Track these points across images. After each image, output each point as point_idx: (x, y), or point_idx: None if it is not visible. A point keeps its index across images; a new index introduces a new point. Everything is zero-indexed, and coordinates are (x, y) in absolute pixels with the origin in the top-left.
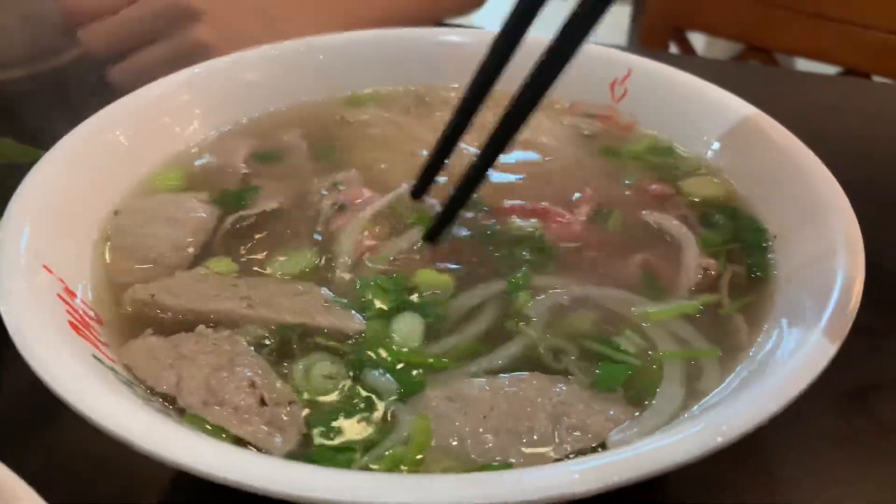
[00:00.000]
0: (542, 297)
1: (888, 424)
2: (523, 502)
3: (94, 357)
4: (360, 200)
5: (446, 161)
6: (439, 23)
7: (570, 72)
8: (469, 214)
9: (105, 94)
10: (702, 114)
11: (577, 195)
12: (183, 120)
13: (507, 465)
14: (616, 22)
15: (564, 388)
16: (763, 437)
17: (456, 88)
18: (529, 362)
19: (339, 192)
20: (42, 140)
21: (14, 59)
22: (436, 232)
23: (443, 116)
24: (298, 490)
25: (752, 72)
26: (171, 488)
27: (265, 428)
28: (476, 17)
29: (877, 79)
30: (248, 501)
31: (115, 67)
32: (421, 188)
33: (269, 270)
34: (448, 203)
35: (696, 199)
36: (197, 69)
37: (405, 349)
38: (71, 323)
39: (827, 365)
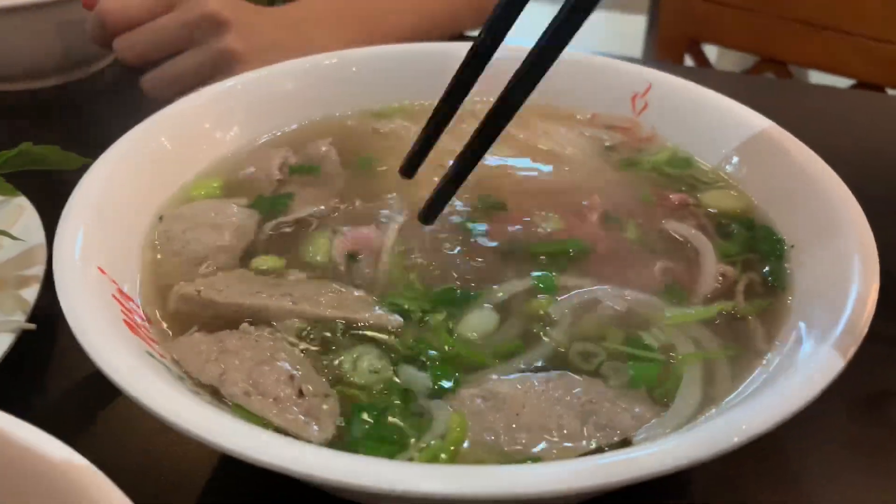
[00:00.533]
0: (566, 297)
1: None
2: (555, 492)
3: (148, 353)
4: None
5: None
6: (461, 35)
7: (592, 84)
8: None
9: (136, 101)
10: (720, 127)
11: (591, 199)
12: (223, 127)
13: (538, 460)
14: (632, 33)
15: (591, 387)
16: (781, 440)
17: (484, 102)
18: (556, 361)
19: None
20: (80, 146)
21: (50, 68)
22: (430, 213)
23: (469, 128)
24: (344, 477)
25: (768, 84)
26: (218, 473)
27: (303, 418)
28: None
29: (891, 92)
30: (282, 485)
31: (147, 76)
32: (412, 167)
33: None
34: (441, 184)
35: (714, 210)
36: (237, 80)
37: (466, 342)
38: (125, 321)
39: (841, 371)
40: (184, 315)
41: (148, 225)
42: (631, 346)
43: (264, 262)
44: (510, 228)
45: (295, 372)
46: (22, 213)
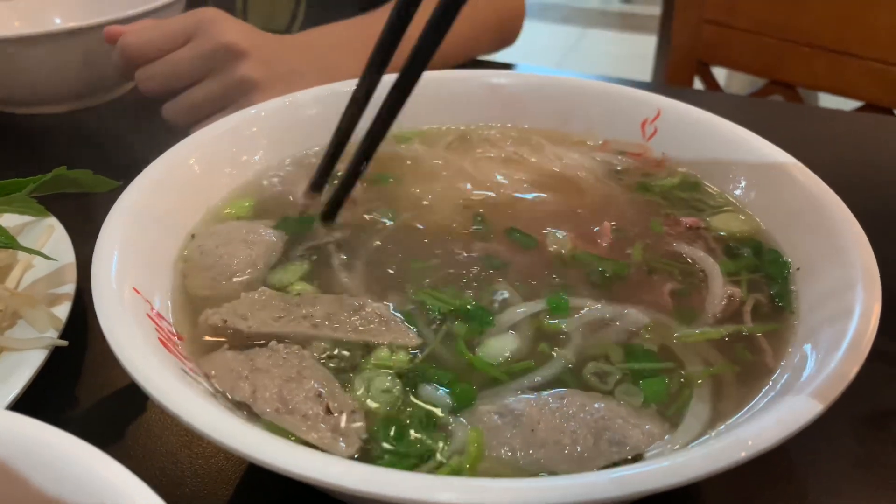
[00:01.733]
0: (577, 317)
1: None
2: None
3: (182, 370)
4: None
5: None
6: (475, 59)
7: (603, 111)
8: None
9: (156, 127)
10: (728, 152)
11: (602, 225)
12: (250, 151)
13: (553, 474)
14: (643, 54)
15: (603, 404)
16: (788, 456)
17: (498, 127)
18: (569, 379)
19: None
20: (107, 168)
21: (76, 93)
22: (331, 212)
23: (483, 153)
24: (367, 487)
25: (775, 107)
26: (242, 485)
27: (330, 434)
28: (506, 55)
29: None
30: (302, 497)
31: (167, 105)
32: (320, 181)
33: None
34: (340, 182)
35: (723, 234)
36: (261, 107)
37: (482, 360)
38: (160, 339)
39: (844, 390)
40: (213, 332)
41: (178, 246)
42: (641, 364)
43: (295, 287)
44: (523, 246)
45: (322, 389)
46: (52, 233)
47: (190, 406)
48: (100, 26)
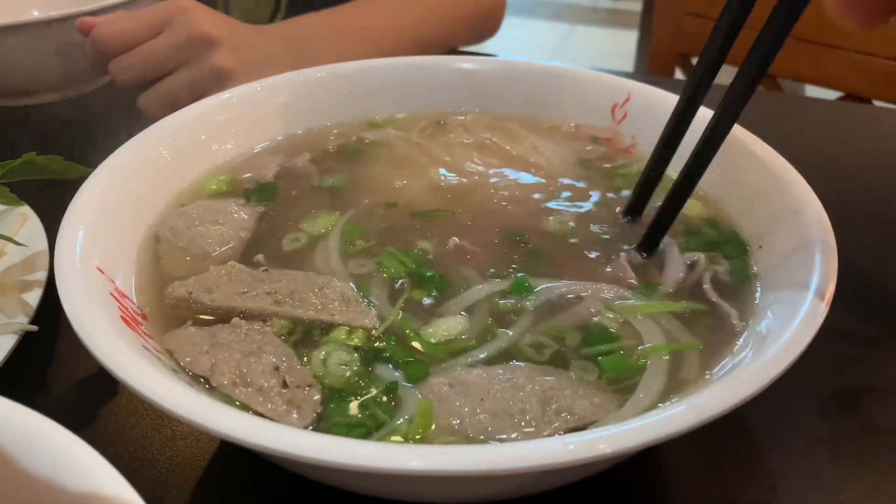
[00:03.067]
0: (535, 295)
1: (875, 427)
2: (523, 468)
3: (144, 347)
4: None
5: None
6: (454, 50)
7: (574, 96)
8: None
9: (132, 117)
10: (693, 133)
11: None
12: (219, 138)
13: (502, 442)
14: (624, 50)
15: (553, 378)
16: (756, 437)
17: (471, 113)
18: (521, 354)
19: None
20: (79, 160)
21: (50, 85)
22: (651, 243)
23: (457, 138)
24: (323, 455)
25: (756, 96)
26: (212, 465)
27: (284, 406)
28: (489, 45)
29: (877, 103)
30: (273, 477)
31: (143, 95)
32: (639, 206)
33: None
34: (658, 215)
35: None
36: (231, 92)
37: (430, 340)
38: (122, 318)
39: (803, 350)
40: (177, 311)
41: (144, 226)
42: (597, 339)
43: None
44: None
45: (280, 364)
46: (25, 222)
47: (148, 380)
48: (74, 17)
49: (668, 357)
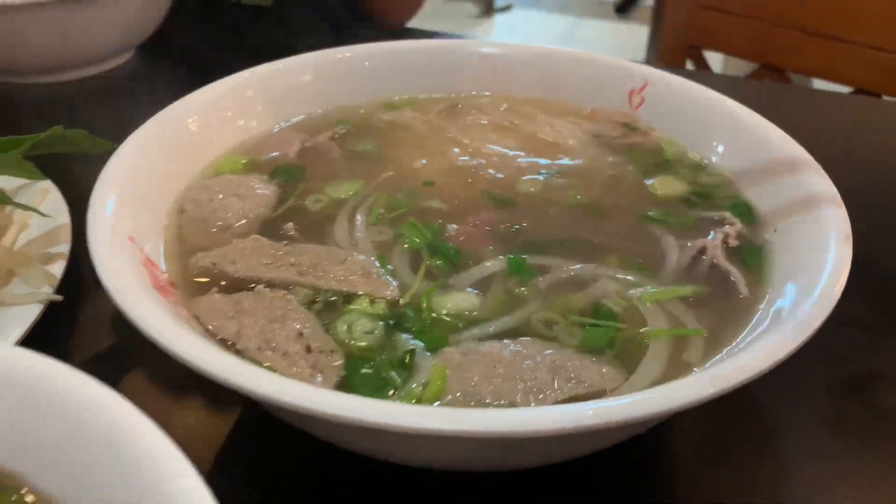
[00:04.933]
0: (543, 275)
1: (883, 413)
2: (545, 431)
3: (174, 314)
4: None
5: None
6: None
7: (592, 81)
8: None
9: (153, 93)
10: (710, 120)
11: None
12: (244, 115)
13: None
14: (630, 42)
15: (559, 350)
16: (764, 419)
17: (488, 96)
18: (530, 331)
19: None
20: (100, 134)
21: (71, 63)
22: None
23: (474, 119)
24: (349, 413)
25: (766, 89)
26: (238, 425)
27: (309, 370)
28: (495, 36)
29: (886, 98)
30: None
31: None
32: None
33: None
34: None
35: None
36: (253, 71)
37: (445, 312)
38: (154, 285)
39: (817, 328)
40: (203, 280)
41: (172, 199)
42: (598, 318)
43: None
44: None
45: (304, 330)
46: (47, 196)
47: (182, 342)
48: None
49: (670, 340)
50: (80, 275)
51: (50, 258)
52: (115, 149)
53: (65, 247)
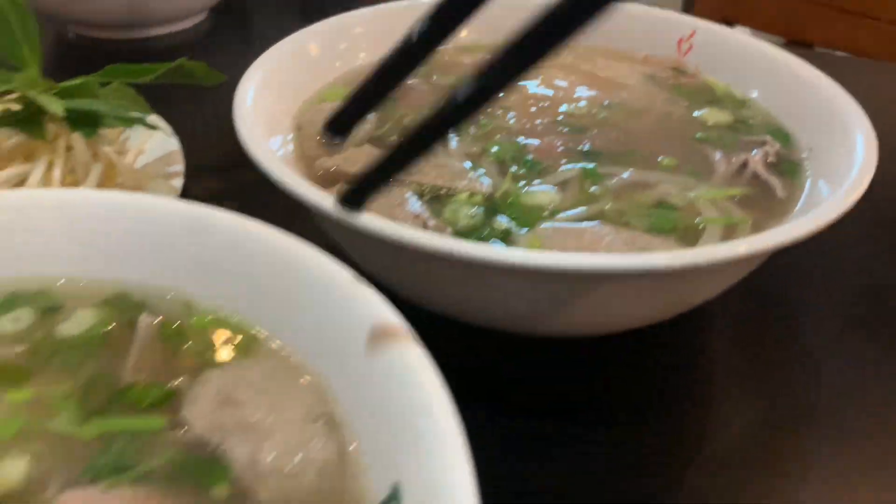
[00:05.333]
0: (612, 179)
1: None
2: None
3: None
4: None
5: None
6: None
7: (642, 29)
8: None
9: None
10: (753, 63)
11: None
12: (356, 47)
13: None
14: None
15: (631, 231)
16: (798, 321)
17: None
18: (602, 220)
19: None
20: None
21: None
22: (359, 195)
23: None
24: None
25: (800, 54)
26: None
27: None
28: None
29: None
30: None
31: None
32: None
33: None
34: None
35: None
36: (365, 11)
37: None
38: None
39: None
40: (326, 183)
41: (292, 113)
42: (661, 208)
43: None
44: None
45: (421, 212)
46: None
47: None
48: None
49: (721, 227)
50: (190, 195)
51: (168, 177)
52: (225, 81)
53: (179, 167)
